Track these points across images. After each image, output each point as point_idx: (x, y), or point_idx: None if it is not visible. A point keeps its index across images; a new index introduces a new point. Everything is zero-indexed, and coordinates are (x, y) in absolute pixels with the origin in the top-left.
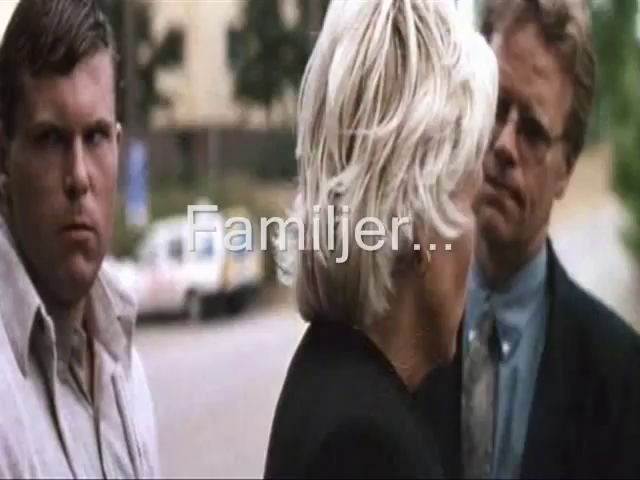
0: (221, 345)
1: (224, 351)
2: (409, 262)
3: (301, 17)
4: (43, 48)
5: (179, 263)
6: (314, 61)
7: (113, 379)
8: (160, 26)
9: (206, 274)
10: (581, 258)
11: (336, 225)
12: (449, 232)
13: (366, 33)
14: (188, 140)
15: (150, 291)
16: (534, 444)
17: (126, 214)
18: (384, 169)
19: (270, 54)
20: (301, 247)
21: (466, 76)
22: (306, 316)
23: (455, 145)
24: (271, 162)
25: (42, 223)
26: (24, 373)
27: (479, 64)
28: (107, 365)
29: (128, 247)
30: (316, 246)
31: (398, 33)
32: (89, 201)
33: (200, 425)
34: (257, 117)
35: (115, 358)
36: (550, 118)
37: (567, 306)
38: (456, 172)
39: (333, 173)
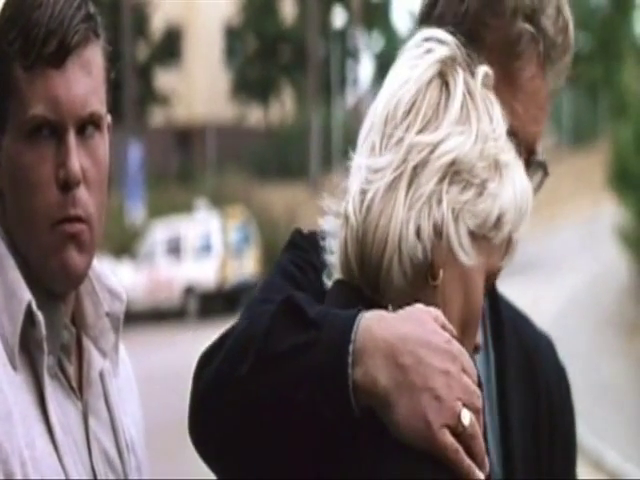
0: None
1: None
2: (426, 268)
3: (299, 15)
4: (35, 42)
5: (177, 261)
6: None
7: (101, 375)
8: (158, 24)
9: (204, 272)
10: (578, 254)
11: (367, 191)
12: (463, 256)
13: (415, 68)
14: (186, 138)
15: (148, 289)
16: (510, 460)
17: (124, 212)
18: (415, 171)
19: (268, 52)
20: (342, 216)
21: (500, 157)
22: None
23: (478, 195)
24: (269, 160)
25: (35, 216)
26: (14, 368)
27: (514, 168)
28: (95, 361)
29: (126, 245)
30: (350, 209)
31: (446, 85)
32: (82, 193)
33: None
34: (255, 115)
35: (103, 354)
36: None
37: (511, 323)
38: (476, 217)
39: (373, 157)
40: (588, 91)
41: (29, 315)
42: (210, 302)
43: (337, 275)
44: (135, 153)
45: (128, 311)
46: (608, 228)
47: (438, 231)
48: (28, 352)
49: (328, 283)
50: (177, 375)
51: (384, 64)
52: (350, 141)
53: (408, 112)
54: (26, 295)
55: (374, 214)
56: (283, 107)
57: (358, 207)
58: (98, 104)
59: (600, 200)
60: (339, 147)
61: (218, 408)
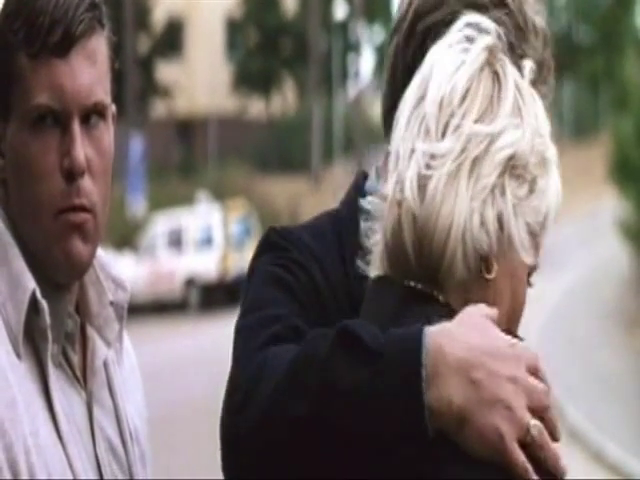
0: (220, 334)
1: (223, 340)
2: (481, 261)
3: (300, 8)
4: (40, 31)
5: (178, 253)
6: (421, 68)
7: (105, 364)
8: (159, 16)
9: (205, 264)
10: (580, 247)
11: (428, 177)
12: (522, 252)
13: (467, 54)
14: (187, 130)
15: (149, 281)
16: None
17: (125, 204)
18: (475, 162)
19: (269, 44)
20: (391, 199)
21: (548, 155)
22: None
23: (531, 192)
24: (270, 152)
25: (39, 206)
26: (19, 356)
27: (554, 166)
28: (100, 350)
29: (127, 237)
30: (407, 193)
31: (496, 75)
32: (87, 183)
33: (198, 413)
34: (256, 107)
35: (108, 343)
36: None
37: None
38: (531, 214)
39: (430, 141)
40: (589, 84)
41: (33, 303)
42: (211, 294)
43: (376, 259)
44: (136, 145)
45: (129, 303)
46: (609, 221)
47: (501, 223)
48: (32, 341)
49: (365, 268)
50: (179, 366)
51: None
52: (351, 134)
53: (463, 98)
54: (30, 284)
55: (436, 202)
56: (284, 100)
57: (417, 193)
58: (102, 94)
59: (601, 193)
60: (340, 140)
61: (266, 449)
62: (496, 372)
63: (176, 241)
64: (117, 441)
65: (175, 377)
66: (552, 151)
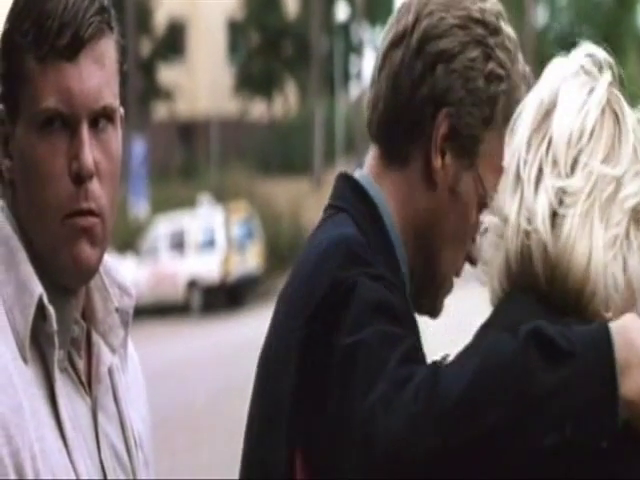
0: (222, 337)
1: (225, 343)
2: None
3: (302, 9)
4: (49, 33)
5: (180, 255)
6: (539, 88)
7: (110, 370)
8: (161, 19)
9: (207, 266)
10: None
11: (562, 216)
12: (638, 294)
13: (592, 91)
14: (189, 133)
15: (151, 283)
16: None
17: (127, 207)
18: (605, 207)
19: (271, 46)
20: (516, 224)
21: None
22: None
23: None
24: (272, 154)
25: (47, 209)
26: (25, 361)
27: None
28: (105, 356)
29: (129, 240)
30: (539, 226)
31: (616, 116)
32: (95, 187)
33: (201, 416)
34: (258, 109)
35: (112, 349)
36: None
37: None
38: None
39: (558, 174)
40: None
41: (40, 309)
42: (213, 296)
43: (494, 273)
44: (138, 148)
45: None
46: None
47: (626, 271)
48: (39, 346)
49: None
50: (181, 368)
51: None
52: (353, 135)
53: (590, 136)
54: (38, 289)
55: (570, 241)
56: (286, 101)
57: (550, 228)
58: (111, 97)
59: None
60: (342, 141)
61: (444, 458)
62: None
63: (178, 244)
64: (121, 447)
65: (177, 380)
66: None
